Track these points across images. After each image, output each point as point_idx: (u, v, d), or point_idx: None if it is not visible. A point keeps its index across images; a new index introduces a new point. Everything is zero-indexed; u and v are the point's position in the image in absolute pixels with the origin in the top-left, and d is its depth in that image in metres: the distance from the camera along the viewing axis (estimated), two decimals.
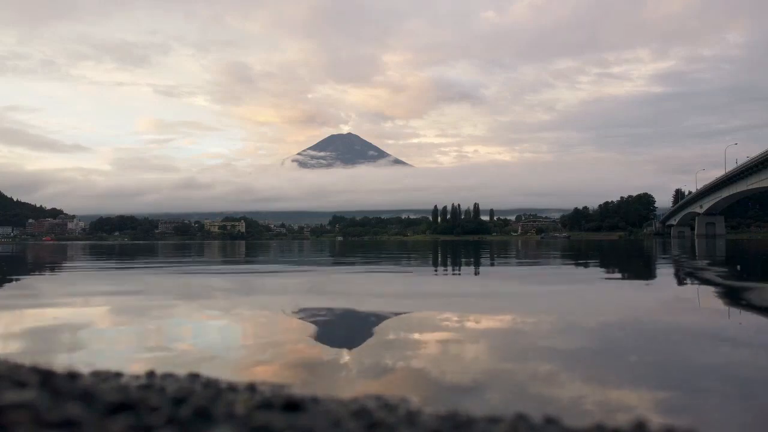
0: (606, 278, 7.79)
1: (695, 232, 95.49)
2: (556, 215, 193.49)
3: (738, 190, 75.62)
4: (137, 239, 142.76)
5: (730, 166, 75.03)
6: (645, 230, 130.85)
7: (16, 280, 8.21)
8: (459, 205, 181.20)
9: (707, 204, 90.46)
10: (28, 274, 9.49)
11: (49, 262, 14.18)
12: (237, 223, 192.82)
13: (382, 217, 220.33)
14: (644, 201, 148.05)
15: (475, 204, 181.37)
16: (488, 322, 3.71)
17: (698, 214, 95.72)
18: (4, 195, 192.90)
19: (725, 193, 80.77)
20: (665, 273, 8.90)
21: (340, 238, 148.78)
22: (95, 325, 3.64)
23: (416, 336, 3.16)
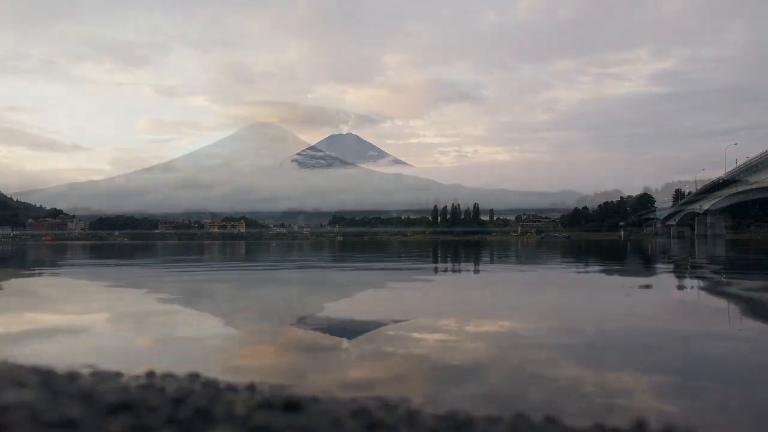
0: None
1: (695, 232, 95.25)
2: (556, 215, 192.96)
3: (738, 190, 75.55)
4: (137, 239, 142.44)
5: (730, 166, 75.12)
6: (645, 230, 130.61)
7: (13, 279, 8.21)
8: (459, 204, 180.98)
9: (707, 204, 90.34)
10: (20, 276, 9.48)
11: (48, 262, 14.17)
12: (237, 223, 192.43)
13: (382, 217, 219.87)
14: (644, 201, 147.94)
15: (475, 204, 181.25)
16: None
17: (698, 214, 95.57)
18: (4, 195, 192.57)
19: (725, 193, 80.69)
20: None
21: (339, 238, 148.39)
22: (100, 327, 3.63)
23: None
